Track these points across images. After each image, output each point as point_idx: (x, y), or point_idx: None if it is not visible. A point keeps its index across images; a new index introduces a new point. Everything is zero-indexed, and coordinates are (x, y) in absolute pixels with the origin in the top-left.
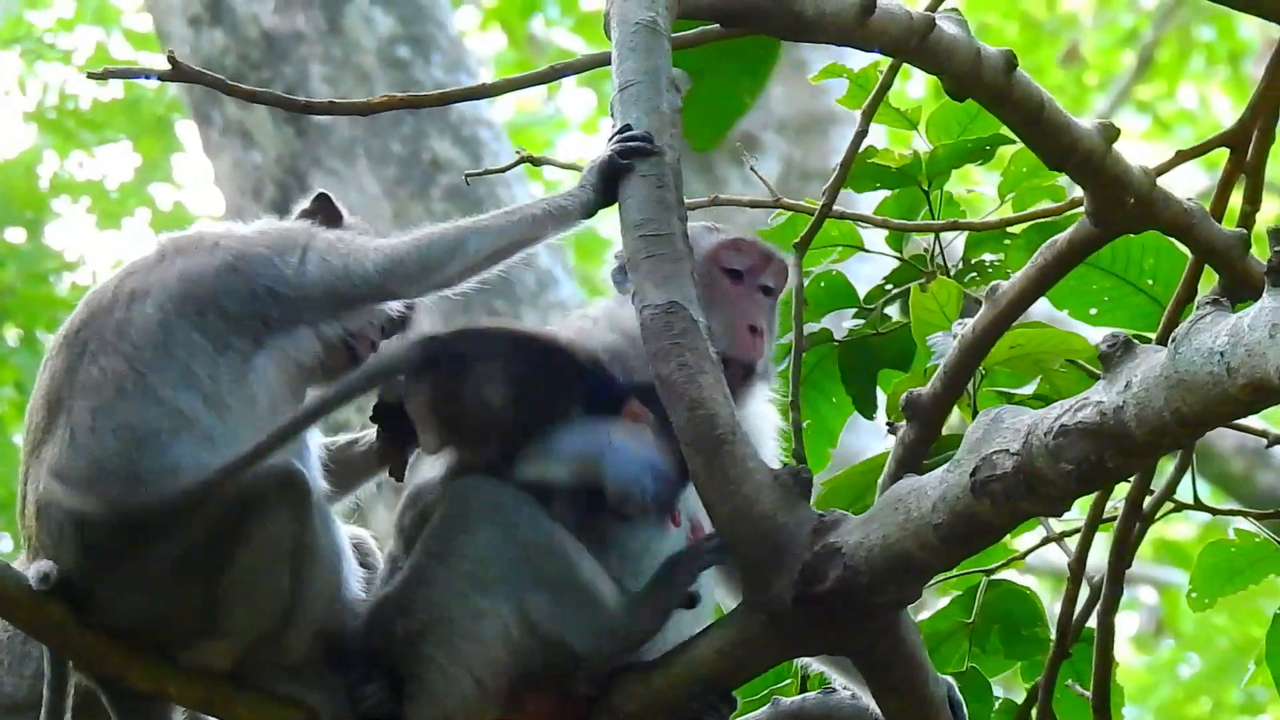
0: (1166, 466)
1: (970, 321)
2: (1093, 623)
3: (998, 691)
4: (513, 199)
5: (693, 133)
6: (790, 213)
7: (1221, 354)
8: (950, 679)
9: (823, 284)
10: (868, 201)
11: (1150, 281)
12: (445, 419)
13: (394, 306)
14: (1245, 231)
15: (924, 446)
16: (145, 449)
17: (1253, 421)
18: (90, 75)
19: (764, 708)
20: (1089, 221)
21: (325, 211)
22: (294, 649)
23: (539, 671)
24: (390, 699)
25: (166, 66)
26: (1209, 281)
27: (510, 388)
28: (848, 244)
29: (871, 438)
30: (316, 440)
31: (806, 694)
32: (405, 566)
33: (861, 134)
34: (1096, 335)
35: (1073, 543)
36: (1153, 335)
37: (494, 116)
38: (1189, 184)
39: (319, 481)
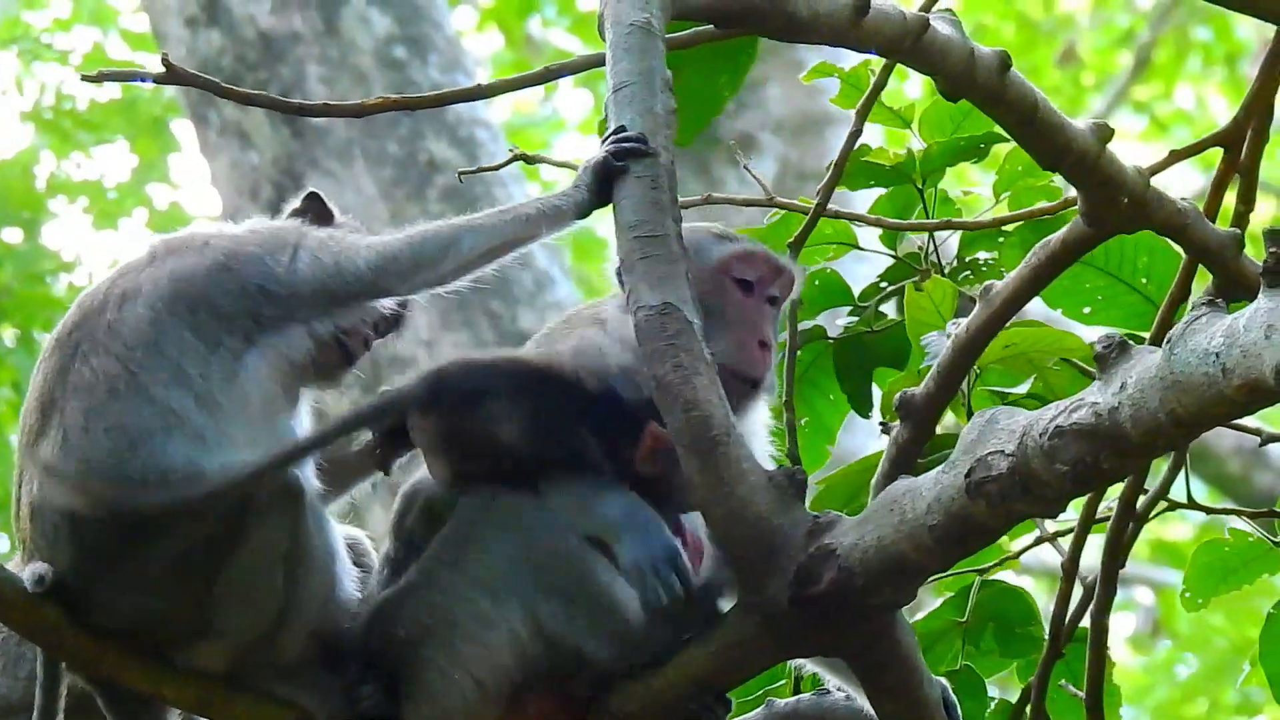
0: (1160, 466)
1: (964, 321)
2: (1086, 622)
3: (993, 692)
4: (509, 199)
5: None
6: (785, 211)
7: (1216, 355)
8: (944, 680)
9: (817, 282)
10: (862, 200)
11: (1144, 281)
12: (455, 453)
13: (387, 304)
14: (1239, 231)
15: (917, 446)
16: (138, 449)
17: (1248, 420)
18: (85, 78)
19: (758, 709)
20: (1083, 221)
21: (316, 210)
22: (289, 650)
23: (544, 674)
24: (387, 700)
25: (162, 69)
26: (1203, 281)
27: (520, 423)
28: (842, 242)
29: (868, 437)
30: None
31: (801, 695)
32: (412, 570)
33: (856, 133)
34: (1090, 334)
35: (1066, 542)
36: (1146, 334)
37: (491, 117)
38: (1184, 184)
39: (313, 482)
